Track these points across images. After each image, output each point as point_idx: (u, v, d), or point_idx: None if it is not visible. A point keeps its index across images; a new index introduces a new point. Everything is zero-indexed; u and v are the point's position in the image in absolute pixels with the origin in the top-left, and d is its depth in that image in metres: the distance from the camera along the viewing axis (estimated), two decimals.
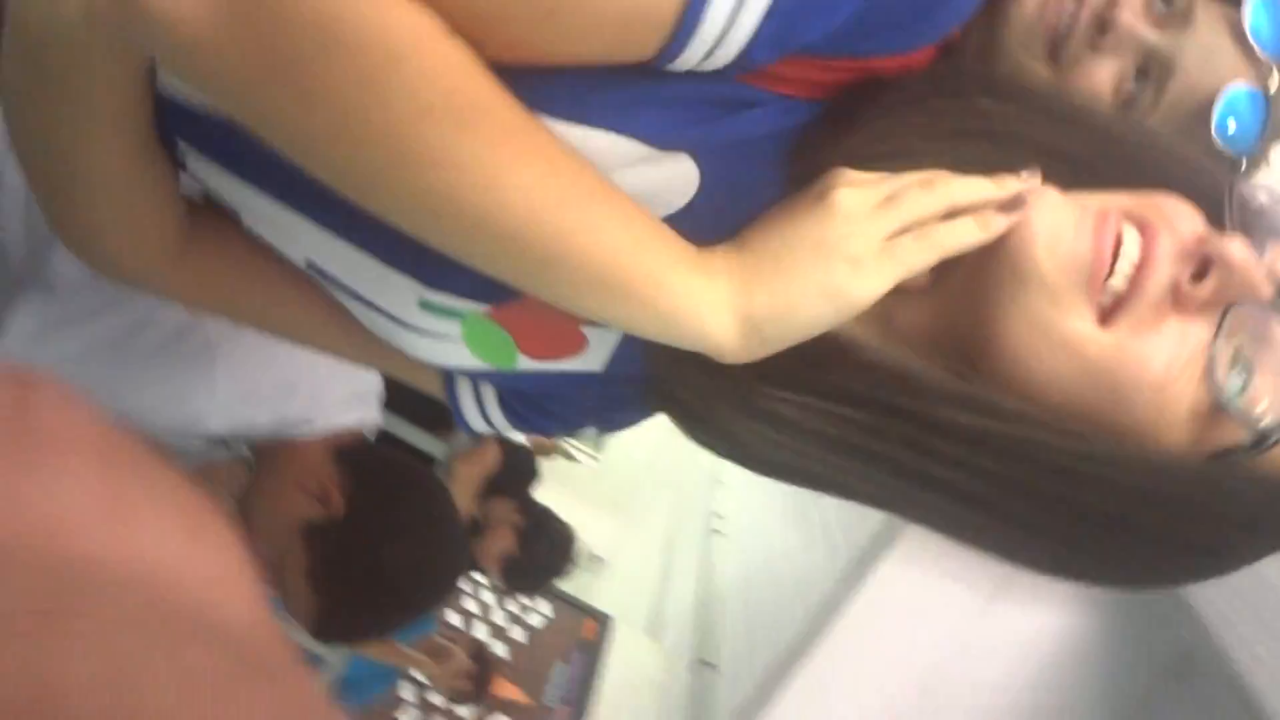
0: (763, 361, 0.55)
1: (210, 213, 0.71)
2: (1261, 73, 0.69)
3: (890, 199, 0.53)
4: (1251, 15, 0.68)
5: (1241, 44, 0.69)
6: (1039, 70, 0.70)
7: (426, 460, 2.23)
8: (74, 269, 0.89)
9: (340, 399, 1.21)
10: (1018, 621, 1.51)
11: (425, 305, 0.65)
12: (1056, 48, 0.68)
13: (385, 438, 1.83)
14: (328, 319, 0.75)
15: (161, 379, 1.02)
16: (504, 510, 2.46)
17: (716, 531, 3.32)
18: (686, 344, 0.54)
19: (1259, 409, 0.48)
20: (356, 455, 1.18)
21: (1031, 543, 0.56)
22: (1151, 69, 0.68)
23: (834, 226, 0.52)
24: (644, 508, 4.45)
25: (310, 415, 1.16)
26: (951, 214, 0.53)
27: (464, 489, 2.28)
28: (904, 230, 0.52)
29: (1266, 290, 0.48)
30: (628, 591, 3.58)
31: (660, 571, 3.54)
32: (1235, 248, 0.48)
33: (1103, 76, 0.69)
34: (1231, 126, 0.70)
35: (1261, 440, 0.48)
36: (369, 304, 0.67)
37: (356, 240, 0.62)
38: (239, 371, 1.08)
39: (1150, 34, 0.67)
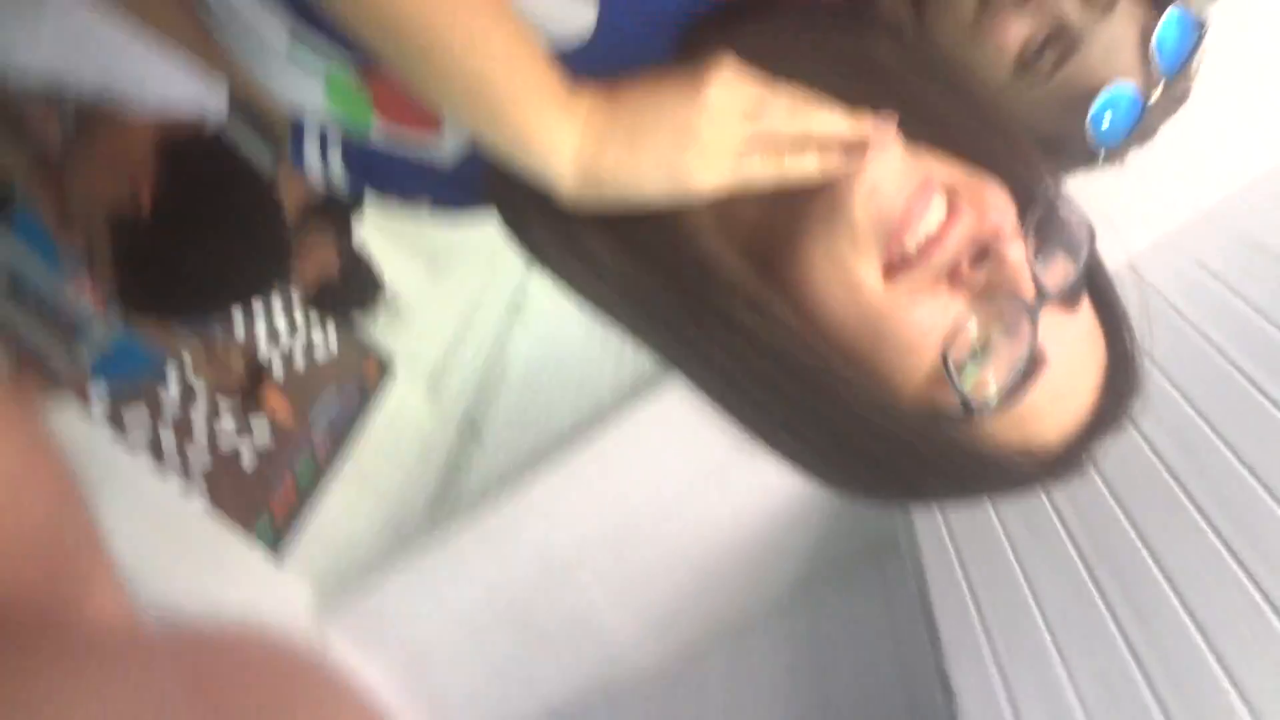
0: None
1: None
2: (1149, 81, 0.75)
3: (756, 110, 0.56)
4: (1162, 27, 0.73)
5: (1144, 50, 0.74)
6: (965, 8, 0.74)
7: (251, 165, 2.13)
8: None
9: (183, 78, 1.14)
10: (757, 477, 1.65)
11: (295, 39, 0.63)
12: None
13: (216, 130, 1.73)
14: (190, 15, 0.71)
15: None
16: (322, 236, 2.41)
17: (519, 311, 3.37)
18: (528, 173, 0.57)
19: (984, 390, 0.55)
20: (182, 149, 1.13)
21: (772, 432, 0.64)
22: (1060, 40, 0.73)
23: (698, 116, 0.55)
24: (455, 269, 4.43)
25: (142, 89, 1.09)
26: (804, 142, 0.56)
27: (286, 205, 2.21)
28: (758, 143, 0.56)
29: (1027, 292, 0.55)
30: (418, 344, 3.61)
31: (454, 334, 3.58)
32: (1014, 249, 0.54)
33: (1016, 32, 0.73)
34: (1106, 119, 0.76)
35: (968, 412, 0.56)
36: (240, 22, 0.65)
37: None
38: (75, 11, 1.00)
39: (1073, 8, 0.71)
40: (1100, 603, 1.13)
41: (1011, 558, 1.23)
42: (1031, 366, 0.55)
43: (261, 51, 0.66)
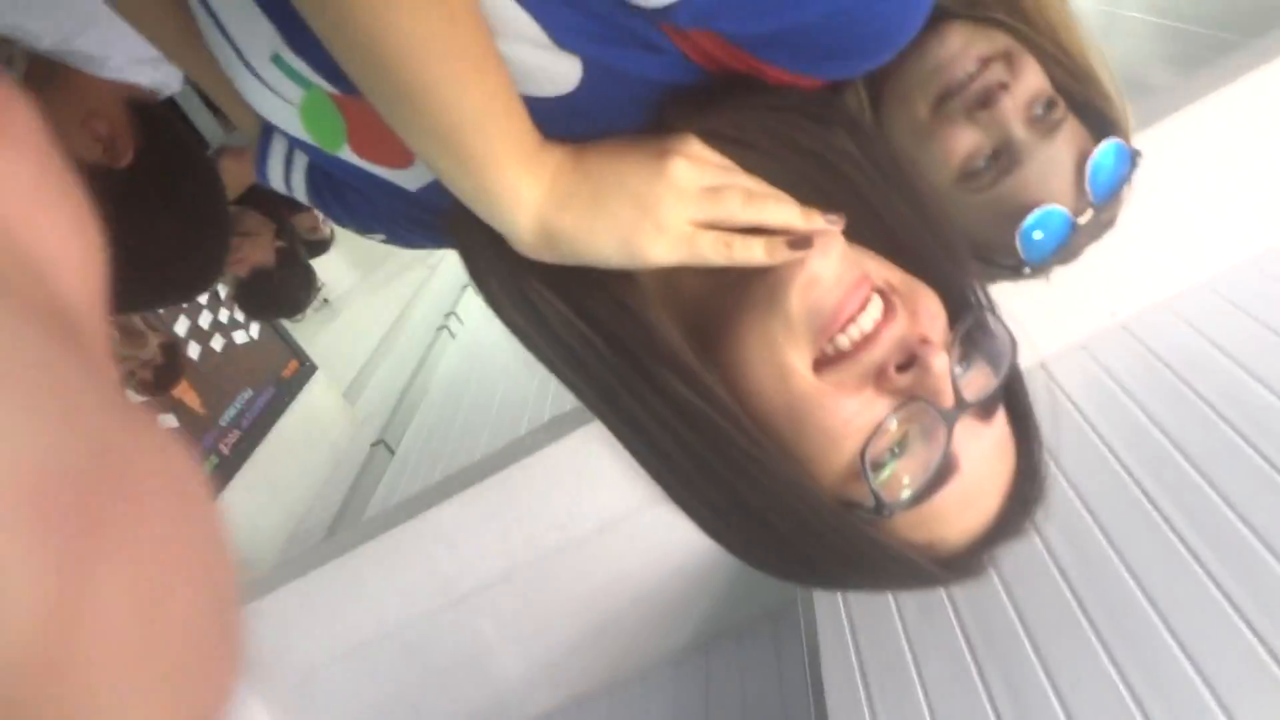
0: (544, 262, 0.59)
1: None
2: (1080, 205, 0.79)
3: (715, 191, 0.58)
4: (1099, 155, 0.77)
5: (1079, 175, 0.78)
6: (920, 110, 0.77)
7: (199, 140, 2.09)
8: None
9: (143, 56, 1.12)
10: (666, 529, 1.66)
11: (278, 60, 0.63)
12: (943, 99, 0.75)
13: (168, 101, 1.70)
14: (172, 13, 0.71)
15: None
16: (258, 225, 2.35)
17: (448, 330, 3.35)
18: (490, 221, 0.59)
19: (896, 489, 0.58)
20: (149, 112, 1.11)
21: (686, 498, 0.65)
22: (1003, 157, 0.76)
23: (658, 189, 0.57)
24: (389, 276, 4.39)
25: (105, 55, 1.07)
26: (756, 228, 0.58)
27: (228, 184, 2.17)
28: (711, 224, 0.58)
29: (947, 400, 0.57)
30: (341, 349, 3.56)
31: (381, 343, 3.54)
32: (939, 359, 0.57)
33: (963, 142, 0.76)
34: (1036, 236, 0.79)
35: (879, 509, 0.58)
36: (223, 32, 0.65)
37: None
38: None
39: (1019, 128, 0.75)
40: (983, 692, 1.17)
41: (903, 640, 1.26)
42: (943, 471, 0.58)
43: (241, 64, 0.65)
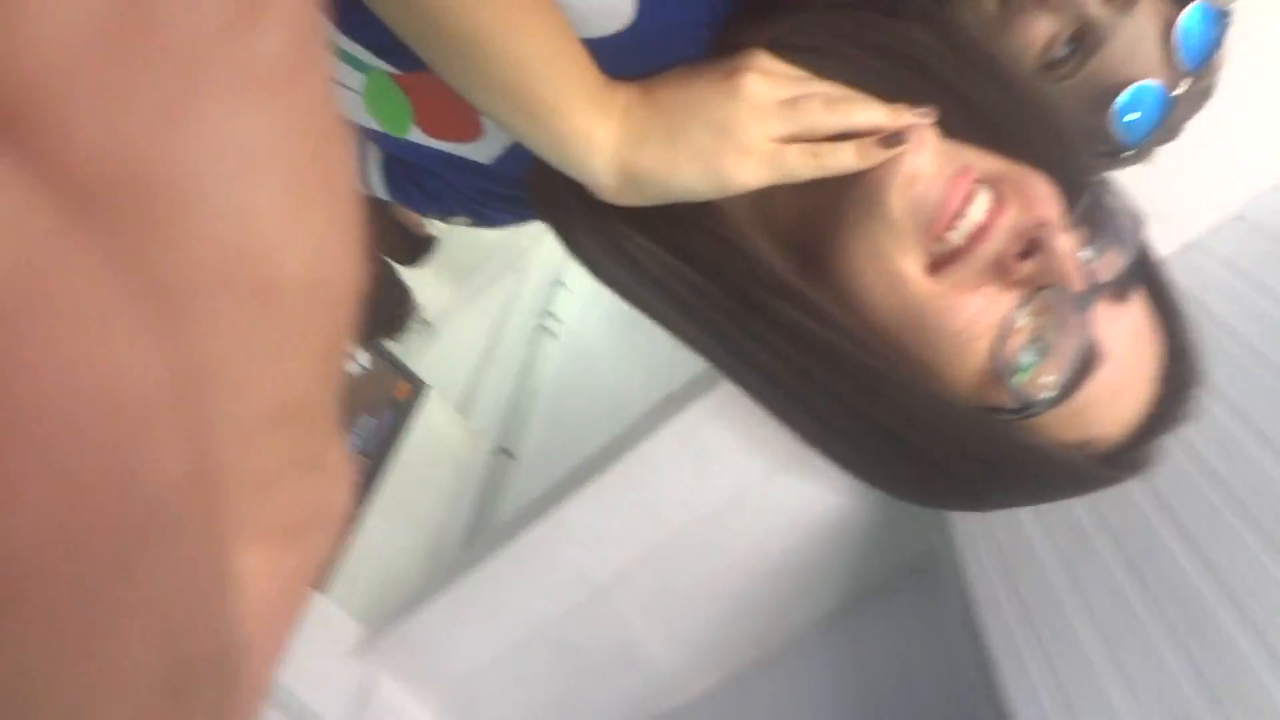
0: (633, 207, 0.58)
1: None
2: (1174, 76, 0.74)
3: (793, 103, 0.55)
4: (1185, 20, 0.72)
5: (1166, 45, 0.73)
6: (988, 4, 0.73)
7: None
8: None
9: None
10: (794, 493, 1.64)
11: (333, 49, 0.63)
12: None
13: None
14: None
15: None
16: None
17: (547, 330, 3.37)
18: (568, 171, 0.57)
19: (1039, 387, 0.54)
20: None
21: (819, 432, 0.63)
22: (1084, 39, 0.72)
23: (734, 110, 0.55)
24: (481, 288, 4.45)
25: None
26: (842, 136, 0.56)
27: None
28: (795, 138, 0.55)
29: (1078, 284, 0.53)
30: (448, 364, 3.62)
31: (484, 353, 3.59)
32: (1063, 240, 0.53)
33: (1039, 31, 0.72)
34: (1131, 117, 0.75)
35: (1024, 409, 0.54)
36: None
37: None
38: None
39: (1095, 6, 0.71)
40: (1150, 612, 1.11)
41: (1058, 570, 1.21)
42: (1087, 361, 0.54)
43: None
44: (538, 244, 4.18)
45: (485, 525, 2.23)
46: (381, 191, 0.80)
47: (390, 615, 1.90)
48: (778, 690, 1.62)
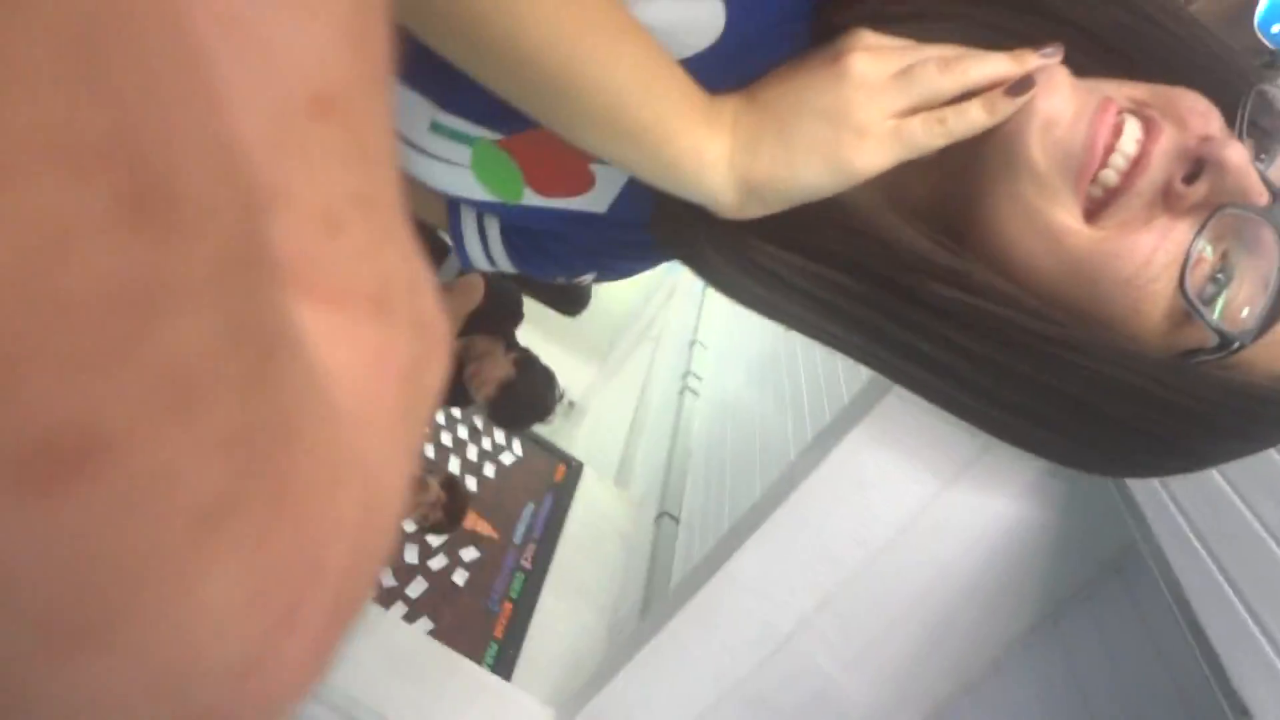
0: (759, 218, 0.56)
1: None
2: None
3: (905, 74, 0.52)
4: None
5: None
6: None
7: None
8: None
9: None
10: (969, 508, 1.57)
11: (436, 128, 0.64)
12: None
13: None
14: None
15: None
16: (489, 346, 2.48)
17: (690, 390, 3.38)
18: (685, 194, 0.55)
19: (1238, 317, 0.49)
20: None
21: (1002, 416, 0.58)
22: None
23: (845, 94, 0.52)
24: (620, 361, 4.51)
25: None
26: (966, 96, 0.52)
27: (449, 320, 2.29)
28: (915, 109, 0.52)
29: (1260, 197, 0.48)
30: (600, 441, 3.66)
31: (631, 424, 3.62)
32: (1233, 151, 0.48)
33: None
34: (1277, 28, 0.69)
35: (1226, 345, 0.49)
36: None
37: None
38: None
39: None
40: None
41: (1267, 539, 1.11)
42: None
43: (408, 146, 0.67)
44: (666, 309, 4.21)
45: (659, 592, 2.21)
46: (505, 264, 0.80)
47: (579, 695, 1.89)
48: (988, 711, 1.53)
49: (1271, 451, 0.59)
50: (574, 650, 2.15)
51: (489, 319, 2.57)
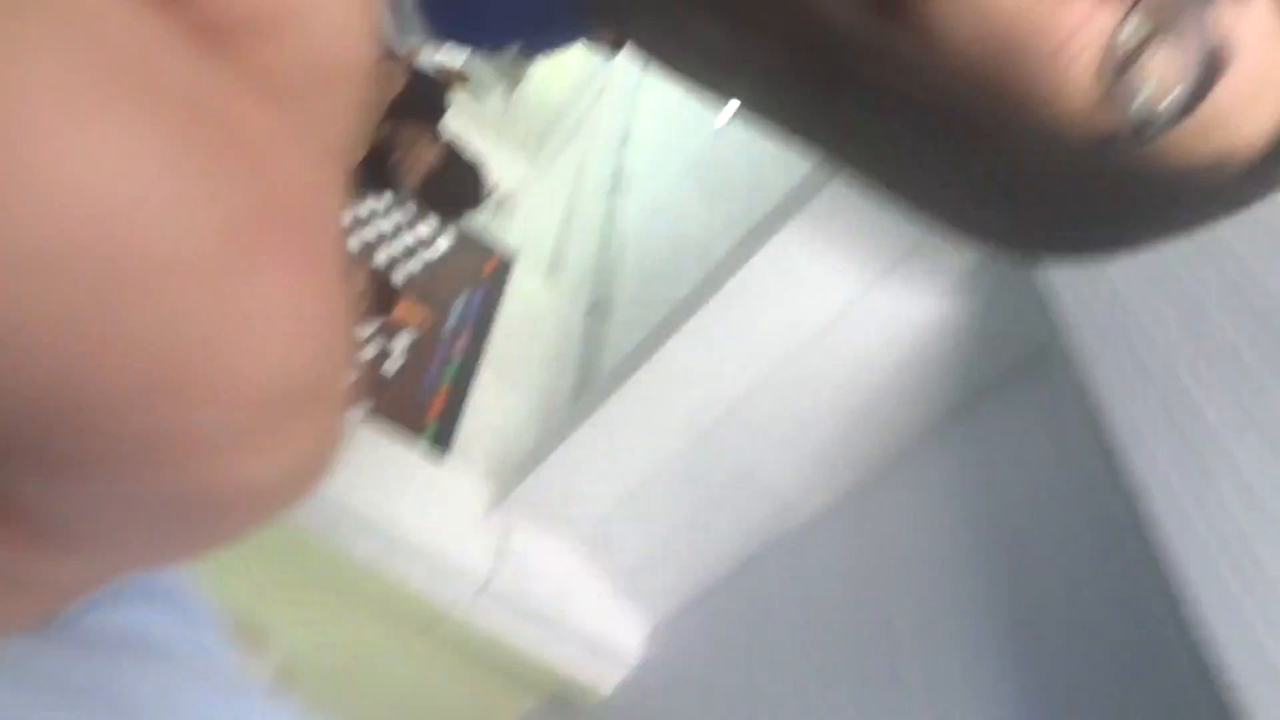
0: None
1: None
2: None
3: None
4: None
5: None
6: None
7: None
8: None
9: None
10: (892, 307, 1.63)
11: None
12: None
13: None
14: None
15: None
16: (415, 133, 2.41)
17: (621, 188, 3.35)
18: None
19: (1161, 99, 0.48)
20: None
21: (930, 195, 0.58)
22: None
23: None
24: (551, 158, 4.43)
25: None
26: None
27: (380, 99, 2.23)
28: None
29: None
30: (532, 234, 3.65)
31: (563, 220, 3.60)
32: None
33: None
34: None
35: (1144, 129, 0.48)
36: None
37: None
38: None
39: None
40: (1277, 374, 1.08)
41: (1178, 341, 1.18)
42: (1213, 63, 0.47)
43: None
44: (598, 106, 4.12)
45: (591, 380, 2.28)
46: (418, 24, 0.76)
47: (516, 472, 1.98)
48: (901, 497, 1.65)
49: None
50: (509, 434, 2.23)
51: (412, 109, 2.49)
